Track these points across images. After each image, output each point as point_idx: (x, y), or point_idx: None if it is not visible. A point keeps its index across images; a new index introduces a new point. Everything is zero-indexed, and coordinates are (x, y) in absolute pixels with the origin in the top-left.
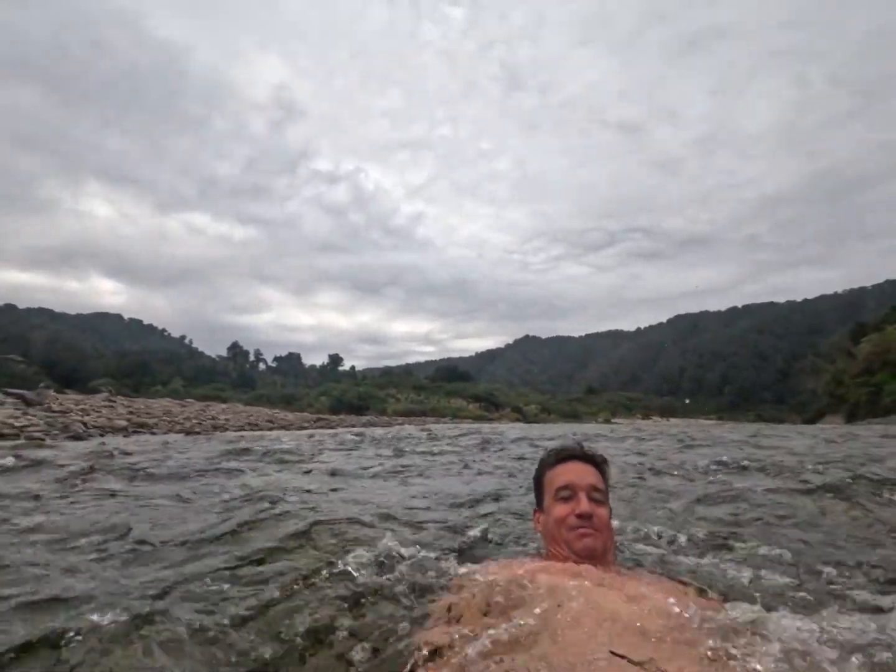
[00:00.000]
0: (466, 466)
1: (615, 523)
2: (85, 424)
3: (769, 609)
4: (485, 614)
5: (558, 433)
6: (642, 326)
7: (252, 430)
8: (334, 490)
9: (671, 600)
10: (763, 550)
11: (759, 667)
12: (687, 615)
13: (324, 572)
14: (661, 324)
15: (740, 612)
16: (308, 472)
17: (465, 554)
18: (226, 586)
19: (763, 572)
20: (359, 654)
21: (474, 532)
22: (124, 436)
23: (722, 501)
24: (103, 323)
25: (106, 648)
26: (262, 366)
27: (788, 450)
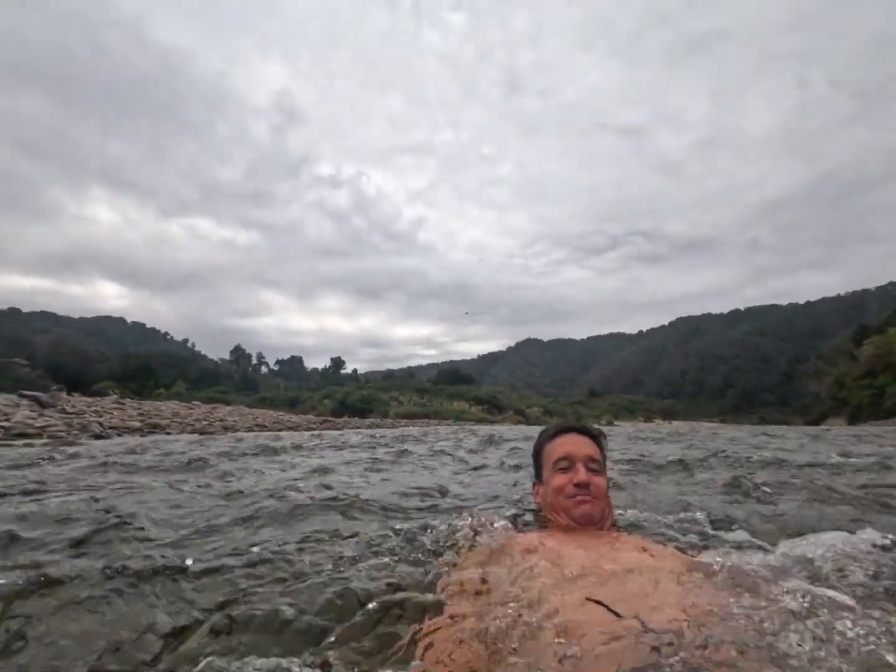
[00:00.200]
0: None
1: None
2: (101, 425)
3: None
4: (483, 579)
5: None
6: (644, 329)
7: (261, 430)
8: (384, 479)
9: (658, 558)
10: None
11: (742, 622)
12: (674, 572)
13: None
14: (662, 327)
15: (711, 558)
16: (349, 462)
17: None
18: (305, 550)
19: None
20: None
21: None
22: (141, 435)
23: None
24: (107, 326)
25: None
26: (264, 369)
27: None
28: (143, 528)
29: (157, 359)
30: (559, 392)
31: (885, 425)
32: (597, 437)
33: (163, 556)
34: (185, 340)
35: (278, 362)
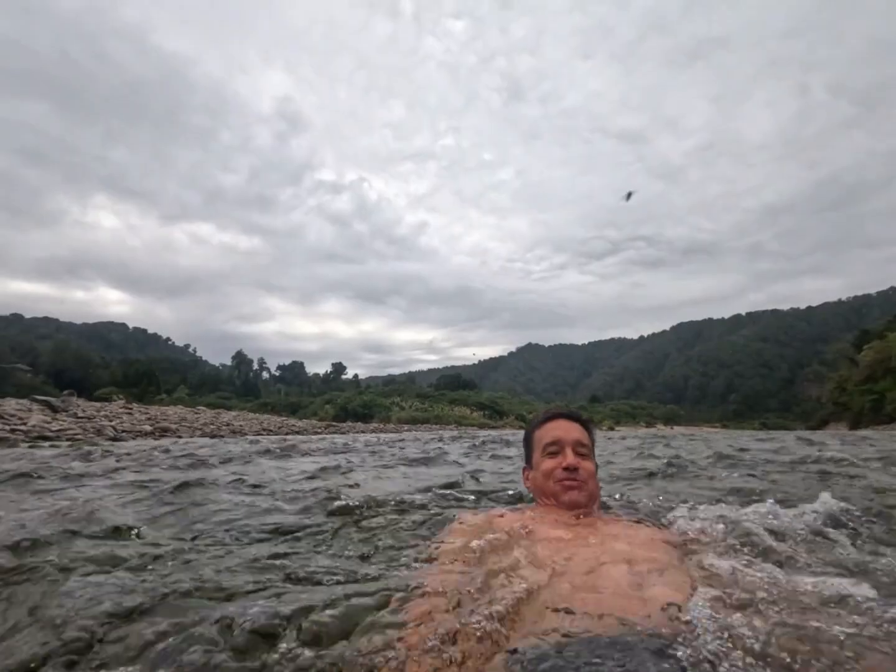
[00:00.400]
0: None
1: None
2: (115, 429)
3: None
4: (474, 551)
5: None
6: (646, 334)
7: (268, 435)
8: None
9: (634, 538)
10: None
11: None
12: (649, 551)
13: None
14: (664, 332)
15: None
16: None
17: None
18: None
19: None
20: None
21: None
22: (154, 439)
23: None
24: (108, 332)
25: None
26: (265, 374)
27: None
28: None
29: (159, 364)
30: (560, 397)
31: (886, 430)
32: (585, 423)
33: None
34: (187, 346)
35: (279, 367)
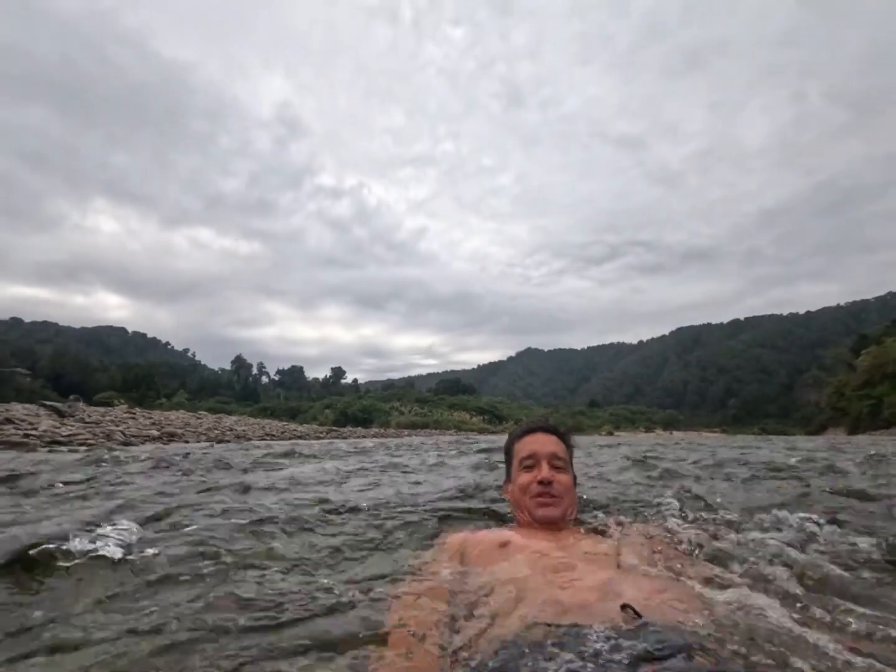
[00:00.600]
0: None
1: None
2: (123, 434)
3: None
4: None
5: None
6: (644, 339)
7: (271, 439)
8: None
9: (604, 554)
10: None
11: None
12: (615, 565)
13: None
14: (663, 336)
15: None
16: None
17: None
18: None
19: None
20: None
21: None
22: (162, 443)
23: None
24: (107, 336)
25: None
26: (264, 379)
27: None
28: None
29: (158, 368)
30: (559, 402)
31: (884, 435)
32: (563, 436)
33: None
34: (186, 350)
35: (279, 372)
